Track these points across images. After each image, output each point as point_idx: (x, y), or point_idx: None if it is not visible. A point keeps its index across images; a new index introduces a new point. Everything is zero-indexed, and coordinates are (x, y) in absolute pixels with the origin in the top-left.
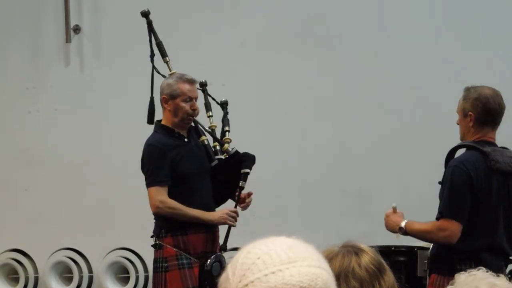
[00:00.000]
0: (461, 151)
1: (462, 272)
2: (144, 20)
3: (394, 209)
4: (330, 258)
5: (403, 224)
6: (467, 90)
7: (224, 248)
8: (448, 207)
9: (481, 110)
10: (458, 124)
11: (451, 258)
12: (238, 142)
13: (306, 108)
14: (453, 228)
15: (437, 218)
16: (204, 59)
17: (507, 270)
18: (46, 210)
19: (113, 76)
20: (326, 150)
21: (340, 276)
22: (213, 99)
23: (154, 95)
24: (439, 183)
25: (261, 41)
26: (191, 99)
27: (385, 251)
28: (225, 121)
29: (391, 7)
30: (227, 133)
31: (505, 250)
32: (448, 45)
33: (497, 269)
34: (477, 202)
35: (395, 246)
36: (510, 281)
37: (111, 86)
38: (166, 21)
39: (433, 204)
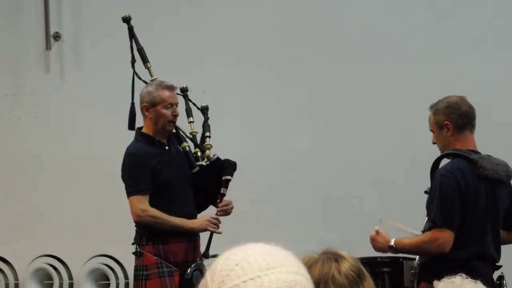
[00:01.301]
0: (445, 160)
1: (441, 280)
2: (124, 26)
3: (377, 232)
4: (310, 265)
5: (392, 243)
6: (434, 104)
7: (206, 255)
8: (440, 216)
9: (456, 116)
10: (434, 142)
11: (442, 267)
12: (218, 149)
13: (287, 114)
14: (446, 237)
15: (430, 228)
16: (184, 65)
17: (495, 277)
18: (26, 217)
19: (94, 83)
20: (307, 156)
21: (320, 282)
22: (194, 104)
23: (134, 101)
24: (425, 192)
25: (241, 47)
26: (172, 105)
27: (370, 262)
28: (205, 126)
29: (377, 12)
30: (207, 138)
31: (493, 257)
32: (433, 53)
33: (487, 277)
34: (466, 209)
35: (380, 257)
36: (495, 287)
37: (91, 93)
38: (146, 27)
39: (416, 211)
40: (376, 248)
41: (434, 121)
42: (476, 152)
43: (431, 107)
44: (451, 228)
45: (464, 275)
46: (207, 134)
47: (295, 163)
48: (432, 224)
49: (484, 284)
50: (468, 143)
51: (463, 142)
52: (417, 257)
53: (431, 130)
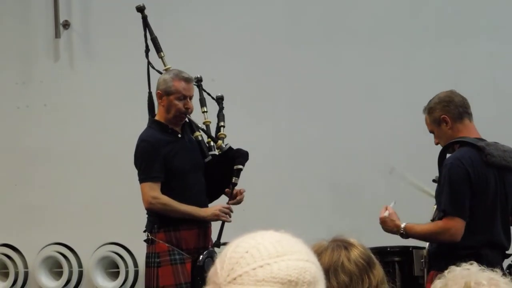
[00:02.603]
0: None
1: (453, 267)
2: (134, 15)
3: (387, 208)
4: (320, 252)
5: (402, 228)
6: (426, 105)
7: (217, 244)
8: (451, 204)
9: (452, 107)
10: (437, 143)
11: (452, 254)
12: (227, 137)
13: (296, 103)
14: (458, 226)
15: (440, 218)
16: (193, 53)
17: (505, 265)
18: (36, 205)
19: (102, 72)
20: (316, 145)
21: (330, 270)
22: (208, 94)
23: (151, 90)
24: (433, 181)
25: (252, 35)
26: (185, 97)
27: (380, 252)
28: (220, 116)
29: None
30: (222, 128)
31: (503, 244)
32: (433, 42)
33: (497, 264)
34: (475, 197)
35: (390, 247)
36: (506, 275)
37: (100, 81)
38: (156, 15)
39: (424, 200)
40: (386, 229)
41: (431, 120)
42: (482, 140)
43: (424, 109)
44: (462, 217)
45: (475, 263)
46: (222, 123)
47: (304, 151)
48: (443, 214)
49: None
50: (470, 132)
51: (465, 131)
52: (427, 246)
53: (431, 131)
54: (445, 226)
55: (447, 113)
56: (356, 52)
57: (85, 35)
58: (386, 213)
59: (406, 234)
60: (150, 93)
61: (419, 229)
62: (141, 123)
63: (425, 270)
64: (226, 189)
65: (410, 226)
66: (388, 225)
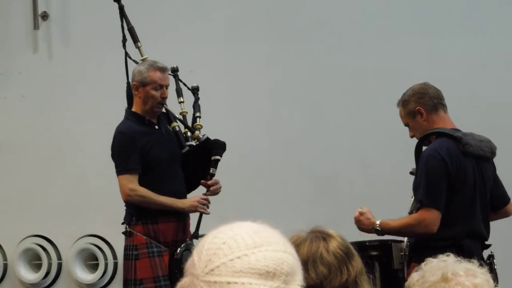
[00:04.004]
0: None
1: (430, 258)
2: (112, 5)
3: (361, 213)
4: (298, 243)
5: (377, 225)
6: (400, 99)
7: (196, 235)
8: (427, 196)
9: (426, 98)
10: (412, 136)
11: (432, 246)
12: (205, 129)
13: (275, 94)
14: (433, 217)
15: (417, 209)
16: (171, 45)
17: (485, 256)
18: (14, 197)
19: (81, 63)
20: (295, 137)
21: (308, 261)
22: (184, 84)
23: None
24: (411, 173)
25: (229, 27)
26: (162, 87)
27: (359, 246)
28: (196, 106)
29: None
30: (198, 119)
31: (483, 234)
32: (422, 35)
33: (477, 255)
34: (454, 188)
35: (369, 241)
36: (483, 266)
37: (79, 72)
38: (134, 6)
39: (402, 191)
40: (361, 228)
41: (405, 112)
42: (458, 130)
43: (398, 102)
44: (438, 208)
45: (451, 254)
46: (198, 114)
47: (283, 143)
48: (419, 205)
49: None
50: (446, 123)
51: (440, 122)
52: (406, 238)
53: (406, 124)
54: (419, 217)
55: (421, 105)
56: (337, 45)
57: (63, 26)
58: (363, 210)
59: (381, 230)
60: (128, 83)
61: (393, 224)
62: (120, 114)
63: (405, 263)
64: (203, 180)
65: (385, 222)
66: (363, 224)
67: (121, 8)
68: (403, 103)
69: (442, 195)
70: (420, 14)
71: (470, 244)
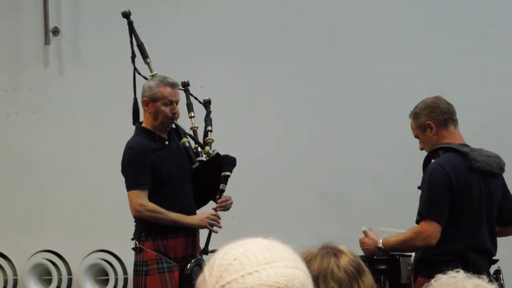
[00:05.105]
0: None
1: (439, 275)
2: (123, 22)
3: (365, 233)
4: (309, 259)
5: (380, 244)
6: (412, 111)
7: (205, 251)
8: (427, 208)
9: (437, 113)
10: (422, 148)
11: (438, 260)
12: (216, 144)
13: (286, 110)
14: (432, 230)
15: (417, 221)
16: (183, 60)
17: (492, 271)
18: (25, 213)
19: (92, 78)
20: (306, 152)
21: (319, 277)
22: (196, 98)
23: (137, 95)
24: (419, 188)
25: (241, 42)
26: (172, 103)
27: (367, 260)
28: (207, 120)
29: (379, 7)
30: (209, 133)
31: (489, 249)
32: (434, 51)
33: (483, 269)
34: (460, 203)
35: (378, 255)
36: (493, 281)
37: (90, 88)
38: (145, 22)
39: (412, 208)
40: (365, 251)
41: (416, 125)
42: (466, 146)
43: (410, 114)
44: (438, 221)
45: (461, 270)
46: (209, 128)
47: (294, 159)
48: (419, 217)
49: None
50: (455, 138)
51: (449, 137)
52: (413, 253)
53: (416, 136)
54: (418, 230)
55: (432, 119)
56: (345, 61)
57: (74, 41)
58: (363, 232)
59: (385, 249)
60: (135, 99)
61: (394, 239)
62: (131, 129)
63: (412, 277)
64: (217, 196)
65: (387, 239)
66: (367, 244)
67: (130, 24)
68: (415, 115)
69: (443, 208)
70: (437, 30)
71: (476, 259)
